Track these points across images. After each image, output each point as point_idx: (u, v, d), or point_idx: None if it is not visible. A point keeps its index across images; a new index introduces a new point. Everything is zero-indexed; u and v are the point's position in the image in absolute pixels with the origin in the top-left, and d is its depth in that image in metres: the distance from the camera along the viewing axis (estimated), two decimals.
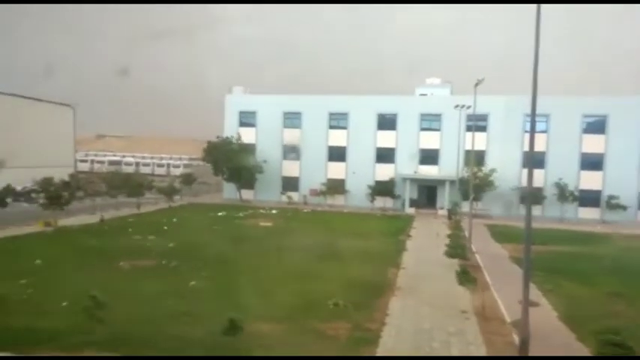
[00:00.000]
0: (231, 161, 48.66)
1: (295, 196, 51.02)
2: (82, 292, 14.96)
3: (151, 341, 12.72)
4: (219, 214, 40.75)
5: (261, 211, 43.30)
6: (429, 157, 48.58)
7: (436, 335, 14.20)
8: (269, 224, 35.88)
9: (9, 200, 30.81)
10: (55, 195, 30.30)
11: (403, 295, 18.21)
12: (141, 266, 21.35)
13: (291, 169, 51.97)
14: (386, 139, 49.64)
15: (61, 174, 41.89)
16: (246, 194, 51.82)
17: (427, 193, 48.78)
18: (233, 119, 53.44)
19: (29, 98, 51.41)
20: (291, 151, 52.04)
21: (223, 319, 12.17)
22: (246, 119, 53.57)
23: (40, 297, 16.30)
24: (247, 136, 51.61)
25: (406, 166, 48.56)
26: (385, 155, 49.66)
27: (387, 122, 50.02)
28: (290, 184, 51.94)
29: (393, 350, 13.07)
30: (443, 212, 45.03)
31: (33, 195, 33.21)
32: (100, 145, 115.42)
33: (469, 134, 38.09)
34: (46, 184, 33.05)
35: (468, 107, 36.35)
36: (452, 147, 42.68)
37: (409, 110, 49.15)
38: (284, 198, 50.92)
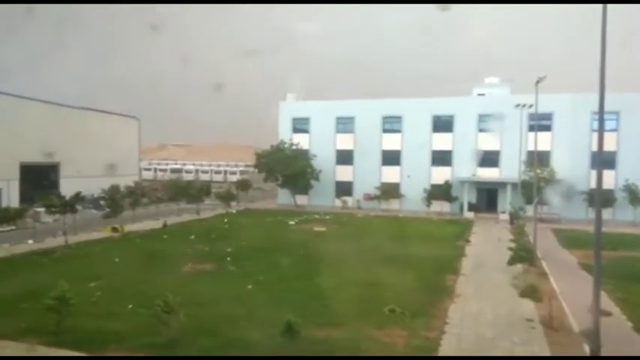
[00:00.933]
0: (287, 168, 49.23)
1: (349, 200, 50.94)
2: (147, 295, 15.63)
3: (212, 344, 13.02)
4: (274, 219, 41.37)
5: (315, 216, 43.51)
6: (489, 159, 46.88)
7: (499, 345, 13.55)
8: (323, 229, 35.96)
9: (79, 207, 32.81)
10: (118, 202, 32.13)
11: (463, 303, 17.56)
12: (201, 270, 22.02)
13: (344, 173, 51.93)
14: (442, 141, 48.50)
15: (127, 182, 44.31)
16: (300, 199, 52.28)
17: (487, 196, 47.05)
18: (287, 126, 54.22)
19: (100, 111, 54.88)
20: (345, 156, 52.03)
21: (280, 323, 12.24)
22: (300, 125, 54.20)
23: (108, 299, 17.16)
24: (301, 142, 52.11)
25: (464, 168, 47.16)
26: (441, 158, 48.50)
27: (443, 124, 48.89)
28: (343, 188, 51.91)
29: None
30: (505, 216, 43.21)
31: (101, 202, 35.25)
32: (162, 154, 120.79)
33: (532, 134, 36.36)
34: (112, 192, 35.10)
35: (530, 106, 34.73)
36: (513, 148, 40.99)
37: (466, 111, 47.80)
38: (338, 203, 50.97)
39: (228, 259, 23.98)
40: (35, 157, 44.57)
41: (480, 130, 47.50)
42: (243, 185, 52.77)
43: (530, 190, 34.51)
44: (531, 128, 39.20)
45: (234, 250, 26.79)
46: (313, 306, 16.47)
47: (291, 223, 39.51)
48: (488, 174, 46.75)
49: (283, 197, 53.70)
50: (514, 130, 41.30)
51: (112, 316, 15.23)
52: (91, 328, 14.00)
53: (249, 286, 19.08)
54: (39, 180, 45.22)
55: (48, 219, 32.40)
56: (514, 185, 42.61)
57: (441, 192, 47.16)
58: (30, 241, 28.16)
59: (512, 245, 23.92)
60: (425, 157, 48.93)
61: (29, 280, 19.77)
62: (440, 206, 46.95)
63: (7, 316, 14.83)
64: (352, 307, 16.48)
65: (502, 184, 45.41)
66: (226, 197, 46.60)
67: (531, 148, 35.51)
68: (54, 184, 45.71)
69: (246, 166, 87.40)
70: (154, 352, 12.49)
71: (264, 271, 21.68)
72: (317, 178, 49.92)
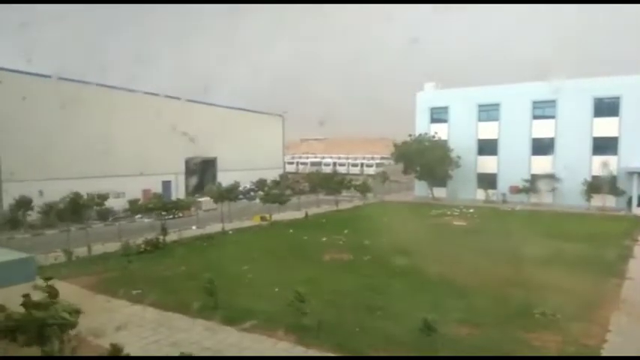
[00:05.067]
0: (424, 159, 48.16)
1: (492, 193, 47.94)
2: (291, 280, 16.70)
3: (350, 332, 13.38)
4: (411, 211, 40.81)
5: (455, 209, 41.81)
6: None
7: None
8: (463, 223, 34.40)
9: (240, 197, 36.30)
10: (275, 194, 34.72)
11: (630, 310, 15.30)
12: (339, 259, 22.74)
13: (487, 165, 48.97)
14: (606, 126, 42.80)
15: (273, 175, 47.77)
16: (438, 192, 50.71)
17: None
18: (424, 116, 52.96)
19: (251, 111, 60.09)
20: (487, 146, 49.03)
21: (418, 317, 12.07)
22: (438, 115, 52.52)
23: (258, 282, 18.70)
24: (439, 132, 50.52)
25: (634, 157, 40.98)
26: (604, 146, 42.84)
27: (606, 107, 43.12)
28: (486, 181, 48.99)
29: None
30: None
31: (252, 193, 38.46)
32: (303, 148, 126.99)
33: None
34: (261, 184, 38.10)
35: None
36: None
37: (637, 91, 41.41)
38: (479, 196, 48.31)
39: (364, 251, 24.33)
40: (197, 152, 50.50)
41: None
42: (380, 177, 53.06)
43: None
44: None
45: (371, 241, 27.05)
46: (453, 302, 15.87)
47: (429, 216, 38.56)
48: None
49: (420, 189, 52.65)
50: None
51: (261, 297, 16.53)
52: (243, 307, 15.38)
53: (386, 279, 19.13)
54: (200, 173, 51.23)
55: (210, 207, 36.34)
56: None
57: (604, 184, 41.72)
58: (194, 227, 31.97)
59: None
60: (584, 145, 43.72)
61: (195, 261, 22.51)
62: (602, 200, 41.57)
63: (176, 293, 17.06)
64: (497, 307, 15.49)
65: None
66: (363, 189, 47.35)
67: None
68: (212, 177, 51.30)
69: (382, 158, 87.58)
70: (294, 332, 13.24)
71: (400, 263, 21.51)
72: (457, 165, 47.83)
